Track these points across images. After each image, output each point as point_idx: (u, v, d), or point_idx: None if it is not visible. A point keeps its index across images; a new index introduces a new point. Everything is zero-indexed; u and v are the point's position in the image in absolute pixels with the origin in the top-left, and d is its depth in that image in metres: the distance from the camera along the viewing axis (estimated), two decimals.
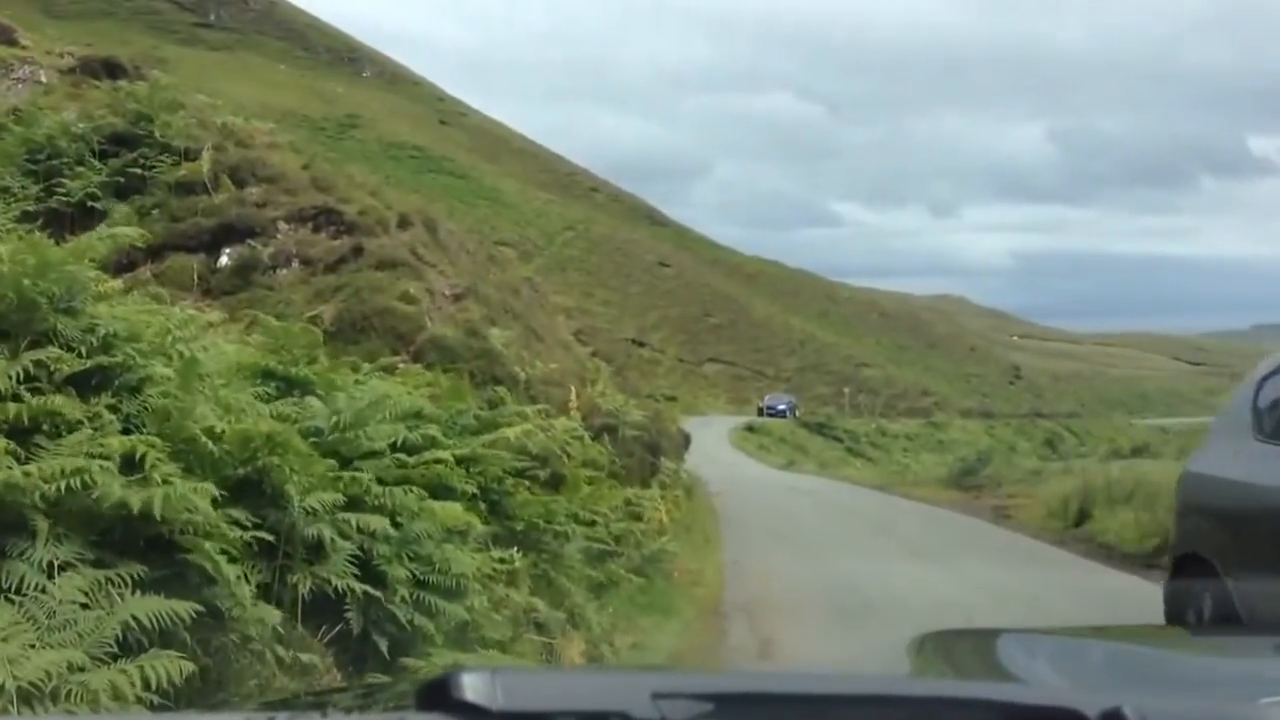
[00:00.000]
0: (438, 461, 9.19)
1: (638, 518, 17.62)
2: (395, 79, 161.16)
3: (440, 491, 9.06)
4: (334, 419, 8.43)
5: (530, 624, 9.97)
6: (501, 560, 9.69)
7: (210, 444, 6.67)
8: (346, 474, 7.72)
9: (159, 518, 5.78)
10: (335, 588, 7.12)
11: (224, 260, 17.18)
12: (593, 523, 13.50)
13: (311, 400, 8.77)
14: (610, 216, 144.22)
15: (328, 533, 7.14)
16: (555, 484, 13.47)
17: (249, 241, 17.36)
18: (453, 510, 8.65)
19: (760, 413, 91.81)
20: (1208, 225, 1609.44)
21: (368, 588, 7.26)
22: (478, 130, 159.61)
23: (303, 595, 7.01)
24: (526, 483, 11.87)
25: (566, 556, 12.07)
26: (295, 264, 17.53)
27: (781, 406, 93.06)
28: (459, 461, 9.80)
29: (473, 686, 1.88)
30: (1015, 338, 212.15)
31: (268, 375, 9.44)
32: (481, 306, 18.94)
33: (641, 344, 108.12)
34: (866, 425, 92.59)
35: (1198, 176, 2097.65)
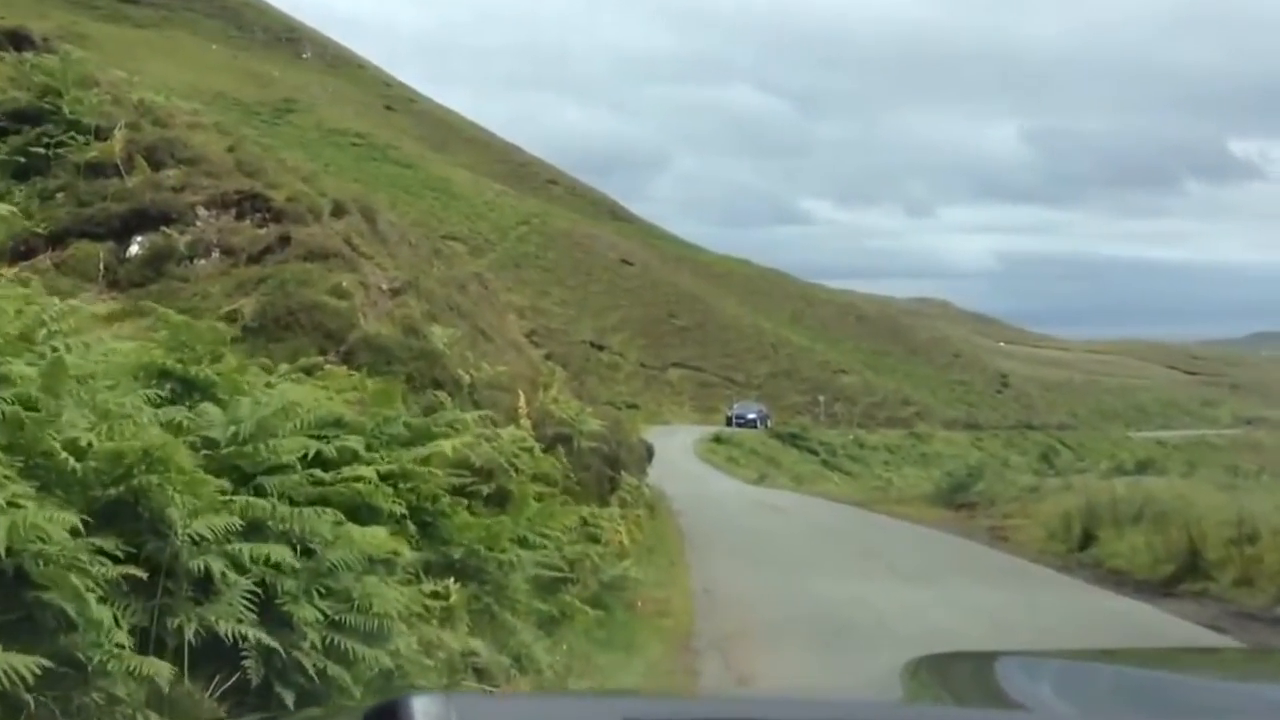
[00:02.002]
0: (358, 479, 8.43)
1: (595, 540, 17.15)
2: (337, 61, 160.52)
3: (362, 513, 8.43)
4: (233, 428, 7.69)
5: (468, 669, 9.31)
6: (435, 594, 9.11)
7: (72, 459, 5.93)
8: (241, 496, 6.96)
9: (3, 552, 5.06)
10: (230, 632, 6.39)
11: (134, 249, 16.81)
12: (543, 546, 12.80)
13: (208, 406, 8.00)
14: (568, 210, 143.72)
15: (218, 565, 6.40)
16: (501, 502, 13.08)
17: (164, 229, 16.96)
18: (376, 535, 8.02)
19: (729, 422, 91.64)
20: (1199, 229, 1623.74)
21: (262, 635, 6.51)
22: (426, 117, 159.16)
23: (188, 640, 6.32)
24: (466, 501, 11.26)
25: (512, 587, 11.52)
26: (215, 254, 17.16)
27: (751, 416, 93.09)
28: (385, 478, 9.15)
29: (425, 712, 1.87)
30: (1002, 344, 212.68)
31: (165, 376, 8.74)
32: (423, 302, 18.64)
33: (601, 347, 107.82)
34: (843, 436, 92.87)
35: (1183, 179, 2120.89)
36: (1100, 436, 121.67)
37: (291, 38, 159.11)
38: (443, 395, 14.84)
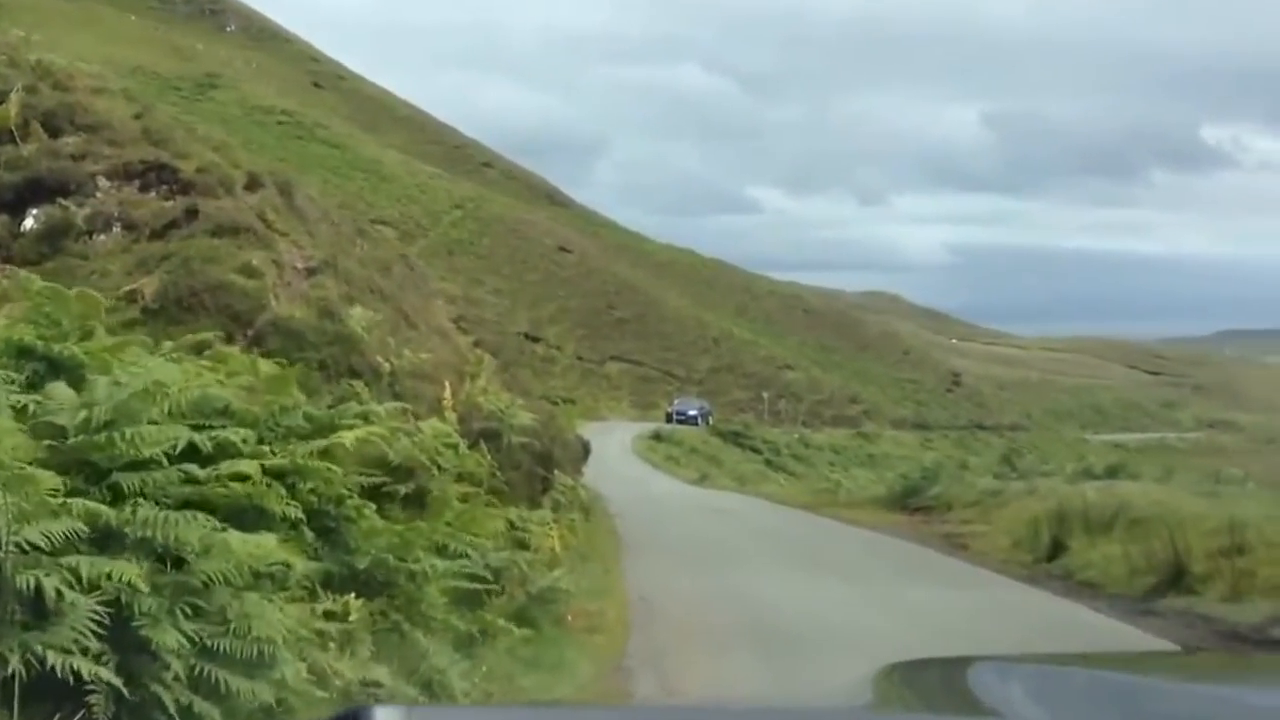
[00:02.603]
0: (241, 476, 7.48)
1: (524, 546, 16.68)
2: (263, 35, 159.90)
3: (249, 518, 7.51)
4: (84, 414, 6.71)
5: (370, 700, 8.30)
6: (329, 613, 8.08)
7: None
8: (78, 499, 5.99)
9: None
10: (63, 665, 5.45)
11: (29, 222, 16.63)
12: (464, 555, 11.93)
13: (56, 387, 7.04)
14: (504, 195, 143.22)
15: (52, 581, 5.46)
16: (420, 503, 12.41)
17: (61, 200, 16.77)
18: (261, 544, 7.15)
19: (669, 419, 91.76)
20: (1165, 220, 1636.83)
21: (102, 669, 5.56)
22: (356, 95, 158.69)
23: (17, 673, 5.39)
24: (377, 504, 10.37)
25: (426, 601, 10.75)
26: (116, 228, 16.91)
27: (692, 412, 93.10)
28: (278, 475, 8.20)
29: None
30: (954, 341, 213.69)
31: (25, 355, 7.85)
32: (341, 284, 18.41)
33: (536, 338, 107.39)
34: (788, 435, 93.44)
35: (1150, 167, 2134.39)
36: (1054, 438, 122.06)
37: (215, 9, 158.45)
38: (359, 384, 14.40)
